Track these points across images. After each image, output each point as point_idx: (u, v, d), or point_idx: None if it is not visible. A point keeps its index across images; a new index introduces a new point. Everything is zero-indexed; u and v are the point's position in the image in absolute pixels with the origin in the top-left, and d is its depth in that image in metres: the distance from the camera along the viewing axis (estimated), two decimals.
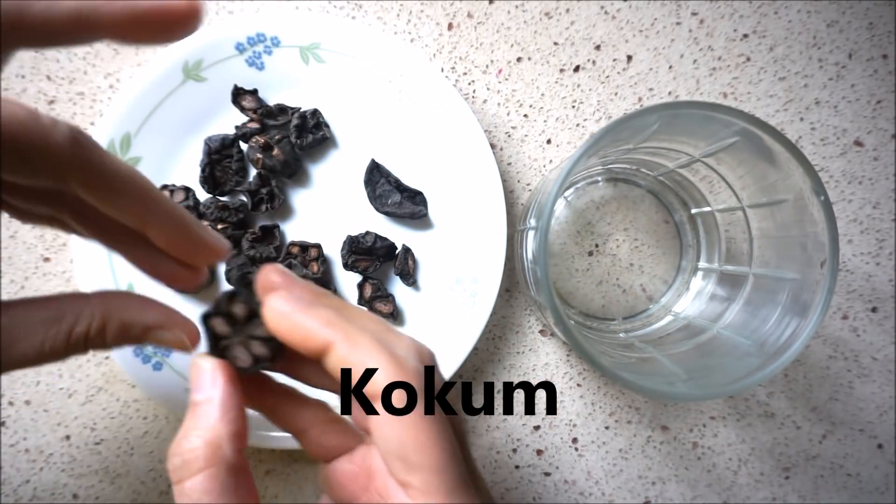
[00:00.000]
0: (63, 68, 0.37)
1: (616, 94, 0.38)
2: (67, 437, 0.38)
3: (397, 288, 0.38)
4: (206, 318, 0.20)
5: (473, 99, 0.38)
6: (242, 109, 0.36)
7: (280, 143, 0.35)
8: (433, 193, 0.37)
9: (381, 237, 0.36)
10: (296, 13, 0.35)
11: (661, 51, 0.38)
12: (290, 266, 0.36)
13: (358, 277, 0.37)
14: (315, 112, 0.36)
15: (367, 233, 0.36)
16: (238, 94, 0.36)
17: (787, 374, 0.39)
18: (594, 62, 0.38)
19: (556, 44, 0.38)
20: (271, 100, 0.37)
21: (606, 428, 0.39)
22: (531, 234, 0.29)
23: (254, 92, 0.36)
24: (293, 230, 0.37)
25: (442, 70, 0.38)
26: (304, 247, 0.36)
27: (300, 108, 0.36)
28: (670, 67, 0.38)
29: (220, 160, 0.36)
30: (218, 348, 0.20)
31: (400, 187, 0.36)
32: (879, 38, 0.38)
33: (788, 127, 0.38)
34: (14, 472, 0.38)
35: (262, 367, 0.20)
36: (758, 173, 0.27)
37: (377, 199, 0.37)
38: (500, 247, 0.35)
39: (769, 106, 0.38)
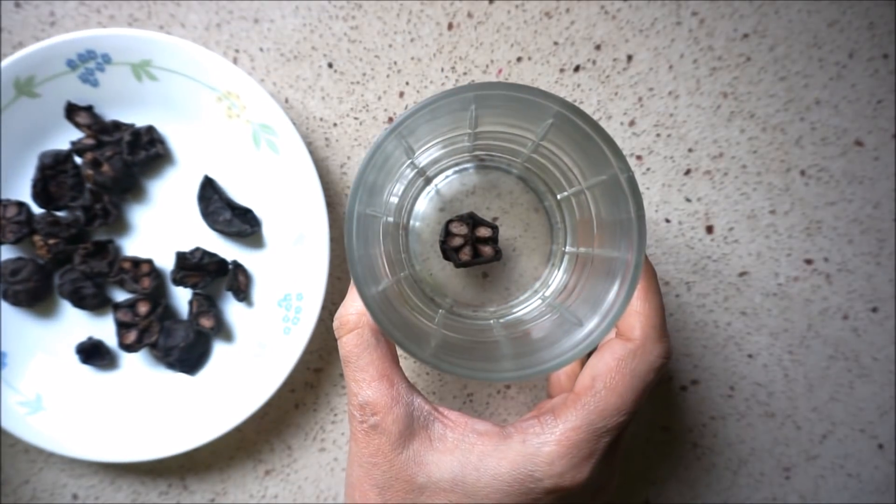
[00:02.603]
0: None
1: (616, 93, 0.38)
2: None
3: (231, 304, 0.38)
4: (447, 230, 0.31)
5: None
6: (77, 125, 0.36)
7: (110, 160, 0.36)
8: (266, 210, 0.37)
9: (209, 253, 0.36)
10: (125, 30, 0.35)
11: (662, 50, 0.38)
12: (121, 282, 0.36)
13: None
14: (150, 128, 0.36)
15: (196, 249, 0.36)
16: (72, 111, 0.36)
17: (787, 375, 0.39)
18: (594, 62, 0.38)
19: (556, 43, 0.38)
20: (109, 116, 0.37)
21: None
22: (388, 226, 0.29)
23: (89, 108, 0.36)
24: (131, 245, 0.38)
25: (442, 70, 0.38)
26: (136, 262, 0.36)
27: (135, 125, 0.36)
28: (670, 67, 0.38)
29: (55, 175, 0.36)
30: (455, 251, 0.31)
31: (231, 205, 0.37)
32: (880, 37, 0.38)
33: (789, 126, 0.38)
34: (14, 472, 0.38)
35: (481, 262, 0.31)
36: (581, 155, 0.27)
37: (209, 216, 0.37)
38: (322, 262, 0.35)
39: (769, 105, 0.38)
